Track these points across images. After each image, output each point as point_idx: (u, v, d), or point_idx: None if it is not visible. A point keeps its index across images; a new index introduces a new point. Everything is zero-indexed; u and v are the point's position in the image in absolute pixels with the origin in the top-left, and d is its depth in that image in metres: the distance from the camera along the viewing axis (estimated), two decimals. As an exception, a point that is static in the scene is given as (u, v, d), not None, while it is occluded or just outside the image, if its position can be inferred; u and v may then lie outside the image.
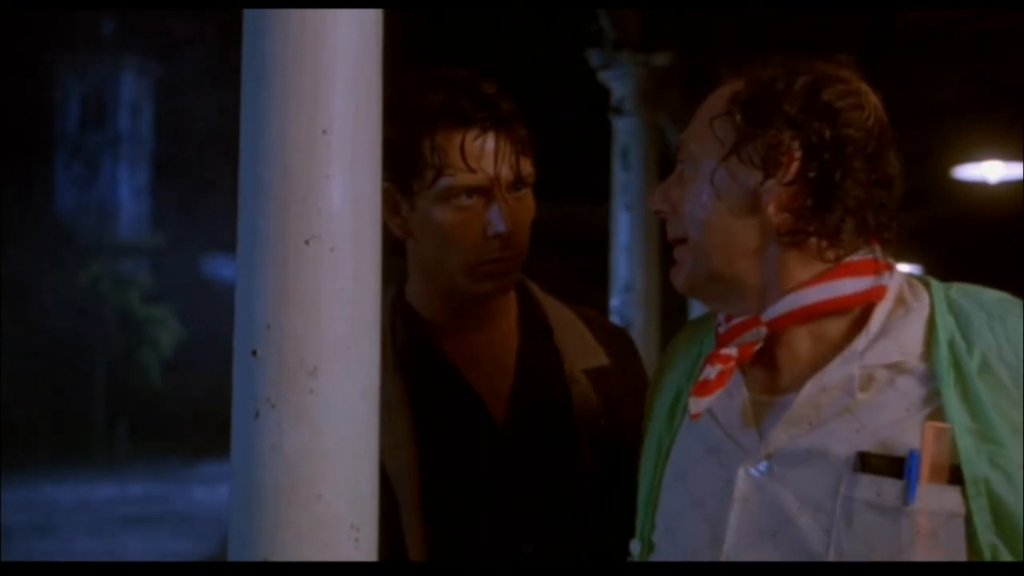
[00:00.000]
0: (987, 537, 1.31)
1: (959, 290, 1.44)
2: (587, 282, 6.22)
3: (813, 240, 1.42)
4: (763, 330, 1.44)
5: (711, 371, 1.45)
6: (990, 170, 8.23)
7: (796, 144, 1.40)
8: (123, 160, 49.94)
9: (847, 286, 1.43)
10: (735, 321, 1.47)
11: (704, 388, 1.44)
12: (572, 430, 1.83)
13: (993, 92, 7.10)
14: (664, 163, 6.61)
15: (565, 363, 1.87)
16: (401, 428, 1.77)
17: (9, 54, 42.17)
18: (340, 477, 1.32)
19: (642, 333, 5.50)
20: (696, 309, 10.65)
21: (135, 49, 48.59)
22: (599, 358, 1.90)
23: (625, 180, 6.01)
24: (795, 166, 1.40)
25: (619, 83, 6.10)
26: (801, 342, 1.45)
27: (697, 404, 1.44)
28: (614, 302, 5.92)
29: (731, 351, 1.45)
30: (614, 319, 5.01)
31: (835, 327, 1.44)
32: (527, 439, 1.83)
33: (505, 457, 1.81)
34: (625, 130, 6.07)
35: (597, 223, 6.49)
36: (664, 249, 6.50)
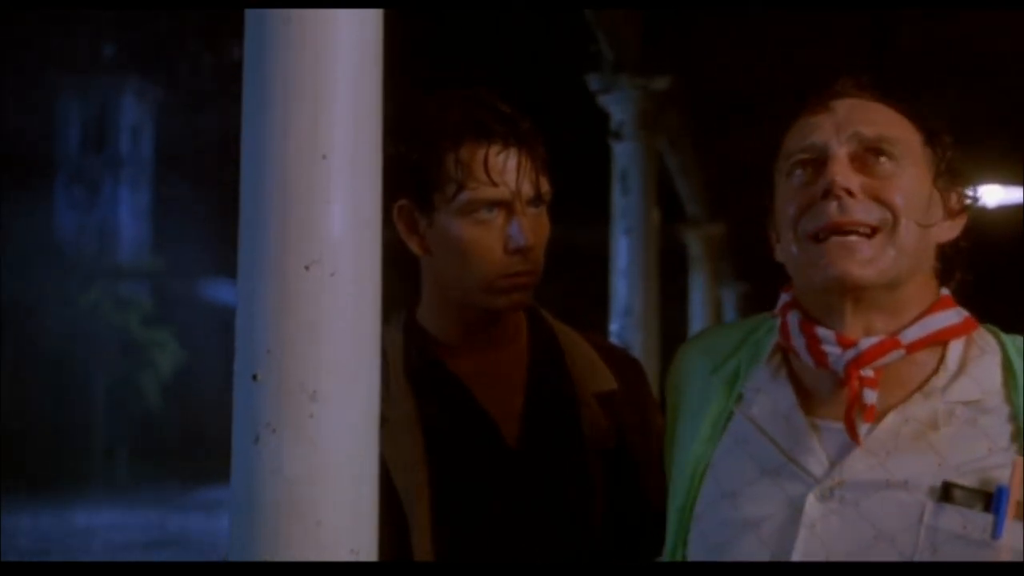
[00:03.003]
0: None
1: None
2: (587, 305, 6.22)
3: (934, 271, 1.50)
4: (903, 352, 1.44)
5: (872, 395, 1.42)
6: (988, 194, 8.26)
7: (968, 196, 1.52)
8: (123, 183, 49.99)
9: (954, 316, 1.48)
10: (870, 342, 1.44)
11: (872, 413, 1.42)
12: (582, 451, 1.84)
13: (992, 116, 7.13)
14: (664, 188, 6.63)
15: (575, 386, 1.88)
16: (412, 448, 1.77)
17: (9, 76, 42.28)
18: (340, 501, 1.32)
19: (641, 356, 5.50)
20: (696, 330, 10.65)
21: (135, 72, 48.69)
22: (608, 383, 1.90)
23: (624, 204, 6.03)
24: (964, 220, 1.52)
25: (618, 107, 6.13)
26: (902, 369, 1.45)
27: (865, 428, 1.42)
28: (613, 326, 5.93)
29: (869, 373, 1.43)
30: (613, 342, 5.00)
31: (929, 359, 1.46)
32: (538, 460, 1.83)
33: (516, 477, 1.81)
34: (624, 154, 6.10)
35: (596, 246, 6.50)
36: (663, 272, 6.50)
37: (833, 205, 1.42)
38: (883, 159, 1.44)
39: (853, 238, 1.42)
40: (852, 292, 1.43)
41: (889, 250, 1.42)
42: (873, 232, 1.42)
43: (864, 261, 1.42)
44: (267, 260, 1.33)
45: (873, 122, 1.46)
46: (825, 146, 1.45)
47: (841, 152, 1.44)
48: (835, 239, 1.42)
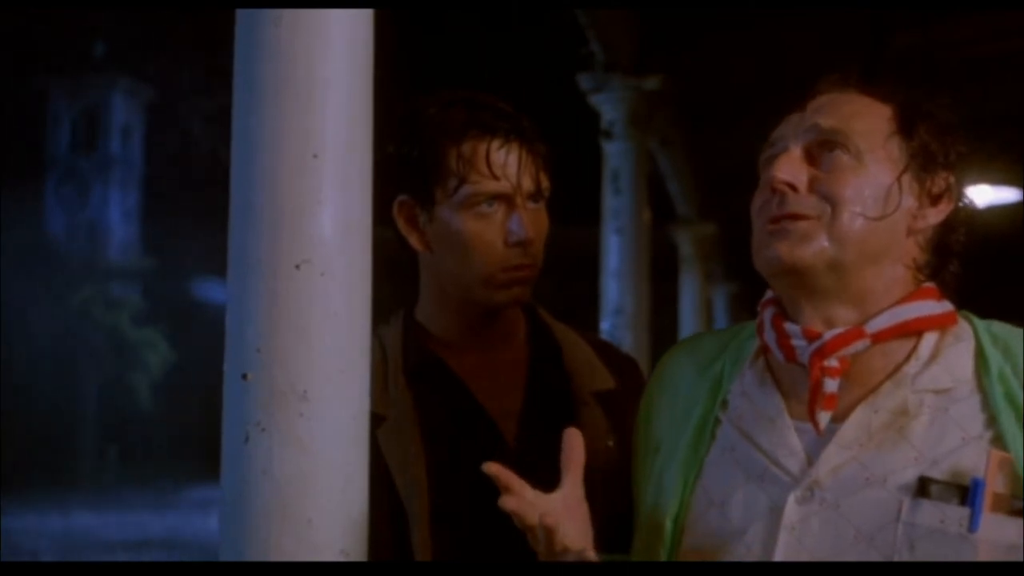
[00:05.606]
0: None
1: (1000, 327, 1.46)
2: (578, 304, 6.23)
3: (916, 263, 1.49)
4: (868, 342, 1.44)
5: (832, 384, 1.42)
6: (978, 194, 8.26)
7: (955, 188, 1.50)
8: (114, 183, 49.90)
9: (932, 307, 1.47)
10: (834, 333, 1.43)
11: (832, 402, 1.42)
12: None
13: (983, 117, 7.13)
14: (655, 188, 6.63)
15: (573, 385, 1.89)
16: (410, 446, 1.78)
17: (0, 76, 42.20)
18: (331, 502, 1.32)
19: (632, 356, 5.50)
20: (688, 332, 10.64)
21: (126, 71, 48.60)
22: (606, 381, 1.91)
23: (616, 204, 6.03)
24: (951, 205, 1.49)
25: (609, 107, 6.12)
26: (874, 360, 1.45)
27: (825, 417, 1.42)
28: (604, 325, 5.93)
29: (834, 363, 1.43)
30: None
31: (903, 350, 1.45)
32: (537, 457, 1.83)
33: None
34: (615, 154, 6.09)
35: (587, 246, 6.50)
36: (654, 272, 6.49)
37: (775, 199, 1.46)
38: (837, 151, 1.46)
39: (787, 223, 1.44)
40: (793, 277, 1.44)
41: (822, 235, 1.43)
42: (808, 219, 1.44)
43: (795, 242, 1.43)
44: (257, 260, 1.33)
45: (835, 115, 1.48)
46: (784, 143, 1.49)
47: (795, 148, 1.47)
48: (771, 227, 1.45)
